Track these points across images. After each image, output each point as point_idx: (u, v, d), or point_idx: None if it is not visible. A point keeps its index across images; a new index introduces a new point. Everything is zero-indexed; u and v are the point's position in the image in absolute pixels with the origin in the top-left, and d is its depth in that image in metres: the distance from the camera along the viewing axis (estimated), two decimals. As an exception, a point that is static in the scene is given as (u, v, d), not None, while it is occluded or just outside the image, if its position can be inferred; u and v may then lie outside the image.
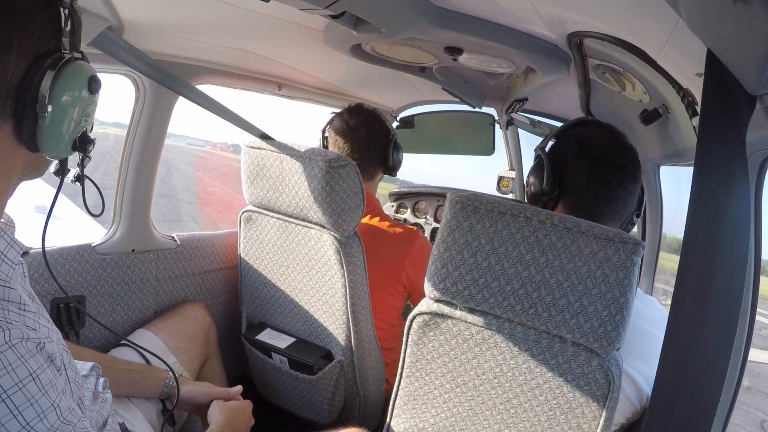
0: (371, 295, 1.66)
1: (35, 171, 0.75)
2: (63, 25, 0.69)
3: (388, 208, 2.76)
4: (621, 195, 1.17)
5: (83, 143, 0.75)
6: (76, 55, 0.70)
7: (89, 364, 1.03)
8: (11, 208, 0.74)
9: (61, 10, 0.68)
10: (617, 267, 0.93)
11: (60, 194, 0.85)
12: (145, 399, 1.37)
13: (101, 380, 1.04)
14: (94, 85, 0.72)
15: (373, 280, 1.69)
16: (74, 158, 0.80)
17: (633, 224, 1.27)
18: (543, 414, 1.05)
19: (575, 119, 1.28)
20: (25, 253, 0.71)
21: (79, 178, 0.82)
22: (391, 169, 1.88)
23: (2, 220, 0.74)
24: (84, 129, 0.74)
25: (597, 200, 1.16)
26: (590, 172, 1.16)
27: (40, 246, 0.87)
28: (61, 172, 0.79)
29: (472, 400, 1.11)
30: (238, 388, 1.37)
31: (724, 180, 0.68)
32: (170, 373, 1.38)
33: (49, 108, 0.66)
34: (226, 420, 1.23)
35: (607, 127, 1.23)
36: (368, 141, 1.78)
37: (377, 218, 1.80)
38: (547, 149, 1.22)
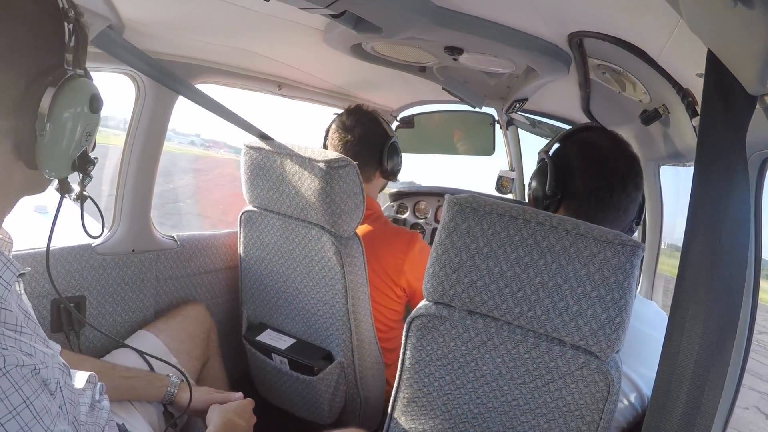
0: (371, 298, 1.66)
1: (36, 187, 0.73)
2: (67, 40, 0.67)
3: (389, 208, 2.75)
4: (623, 202, 1.17)
5: (83, 163, 0.73)
6: (79, 72, 0.68)
7: (86, 374, 1.03)
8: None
9: (66, 24, 0.66)
10: (617, 269, 0.93)
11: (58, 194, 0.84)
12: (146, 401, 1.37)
13: (98, 385, 1.04)
14: (96, 104, 0.70)
15: (373, 284, 1.69)
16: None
17: (632, 232, 1.27)
18: (542, 417, 1.05)
19: (580, 125, 1.28)
20: (22, 274, 0.69)
21: (79, 197, 0.80)
22: (389, 173, 1.86)
23: (0, 236, 0.73)
24: (84, 149, 0.72)
25: (599, 206, 1.16)
26: (594, 178, 1.16)
27: (41, 246, 0.86)
28: (61, 190, 0.77)
29: (471, 402, 1.11)
30: (239, 395, 1.38)
31: (724, 180, 0.68)
32: (172, 379, 1.38)
33: (48, 126, 0.64)
34: (224, 422, 1.23)
35: (611, 133, 1.24)
36: (361, 141, 1.78)
37: (376, 222, 1.80)
38: (550, 153, 1.22)
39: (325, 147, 1.91)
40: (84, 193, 0.79)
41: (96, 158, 0.76)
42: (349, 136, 1.78)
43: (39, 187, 0.74)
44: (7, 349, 0.61)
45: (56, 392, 0.68)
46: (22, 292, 0.77)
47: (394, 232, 1.81)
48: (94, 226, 0.92)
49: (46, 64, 0.65)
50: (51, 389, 0.66)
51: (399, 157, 1.89)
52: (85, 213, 0.85)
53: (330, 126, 1.87)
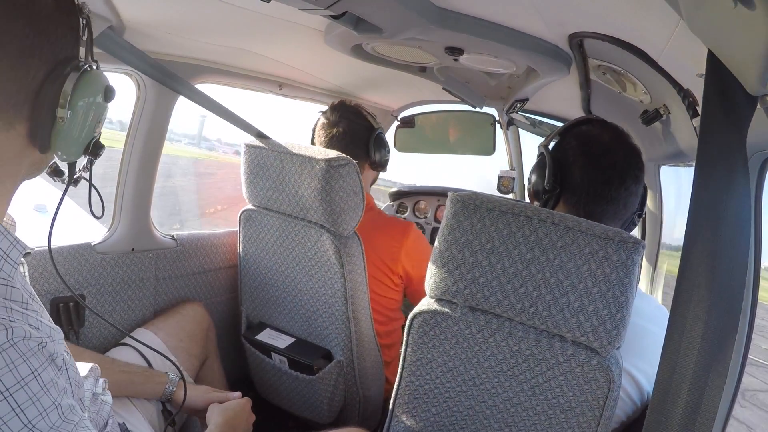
0: (369, 288, 1.66)
1: (37, 170, 0.77)
2: (81, 33, 0.72)
3: (389, 207, 2.76)
4: (622, 195, 1.16)
5: (95, 148, 0.78)
6: (92, 63, 0.74)
7: (88, 365, 1.03)
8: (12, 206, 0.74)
9: (80, 19, 0.71)
10: (617, 266, 0.93)
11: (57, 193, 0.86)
12: (145, 399, 1.37)
13: (100, 381, 1.04)
14: (109, 94, 0.76)
15: (370, 274, 1.69)
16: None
17: (634, 224, 1.27)
18: (543, 413, 1.05)
19: (579, 117, 1.27)
20: (28, 253, 0.71)
21: (88, 179, 0.85)
22: (378, 165, 1.88)
23: (5, 219, 0.74)
24: (97, 135, 0.77)
25: (597, 199, 1.16)
26: (592, 171, 1.16)
27: (40, 245, 0.87)
28: (70, 174, 0.81)
29: (472, 399, 1.11)
30: (237, 394, 1.38)
31: (724, 181, 0.68)
32: (170, 376, 1.38)
33: (69, 113, 0.69)
34: (224, 420, 1.23)
35: (611, 126, 1.22)
36: (345, 135, 1.79)
37: (370, 213, 1.80)
38: (550, 147, 1.22)
39: (312, 144, 1.92)
40: (85, 176, 0.84)
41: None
42: (334, 131, 1.80)
43: (39, 170, 0.78)
44: (14, 322, 0.62)
45: (62, 368, 0.69)
46: (26, 274, 0.78)
47: (387, 222, 1.83)
48: (92, 226, 0.93)
49: (64, 55, 0.69)
50: (57, 364, 0.67)
51: (386, 148, 1.91)
52: (79, 214, 0.87)
53: (316, 123, 1.89)
